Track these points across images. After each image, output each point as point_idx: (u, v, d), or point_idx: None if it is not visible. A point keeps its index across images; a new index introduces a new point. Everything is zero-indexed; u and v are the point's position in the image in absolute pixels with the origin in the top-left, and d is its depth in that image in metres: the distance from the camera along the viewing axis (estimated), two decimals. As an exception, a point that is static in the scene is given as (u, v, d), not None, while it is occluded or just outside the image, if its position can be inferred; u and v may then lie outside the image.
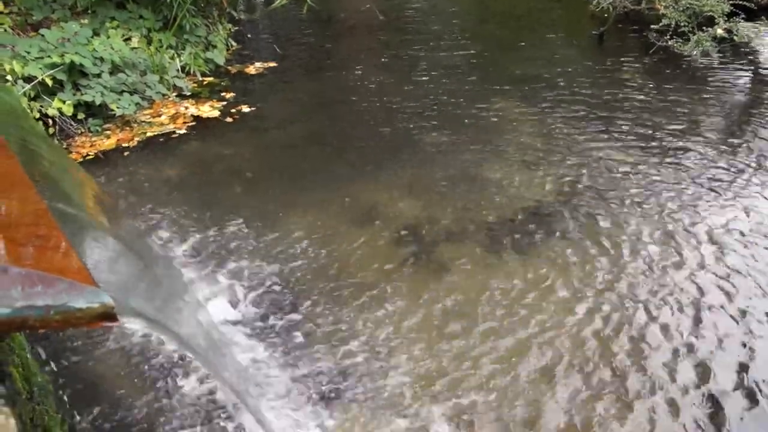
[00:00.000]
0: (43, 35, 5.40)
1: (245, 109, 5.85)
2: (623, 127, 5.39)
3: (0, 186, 1.78)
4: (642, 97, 6.05)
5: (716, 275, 3.53)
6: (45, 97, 5.10)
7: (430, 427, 2.67)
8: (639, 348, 3.05)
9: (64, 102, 5.10)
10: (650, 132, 5.29)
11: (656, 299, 3.36)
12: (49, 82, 5.06)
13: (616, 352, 3.03)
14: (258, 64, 7.00)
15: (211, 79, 6.60)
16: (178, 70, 6.36)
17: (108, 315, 1.22)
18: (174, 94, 6.12)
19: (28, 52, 5.15)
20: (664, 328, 3.17)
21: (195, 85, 6.41)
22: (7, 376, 1.43)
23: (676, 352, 3.02)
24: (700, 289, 3.43)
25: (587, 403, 2.77)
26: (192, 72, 6.57)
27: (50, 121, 5.09)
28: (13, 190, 1.75)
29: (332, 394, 2.83)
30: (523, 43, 7.81)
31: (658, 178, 4.56)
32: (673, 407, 2.73)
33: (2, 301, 1.13)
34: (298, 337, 3.15)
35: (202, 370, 2.90)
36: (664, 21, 7.08)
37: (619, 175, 4.61)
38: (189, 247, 3.84)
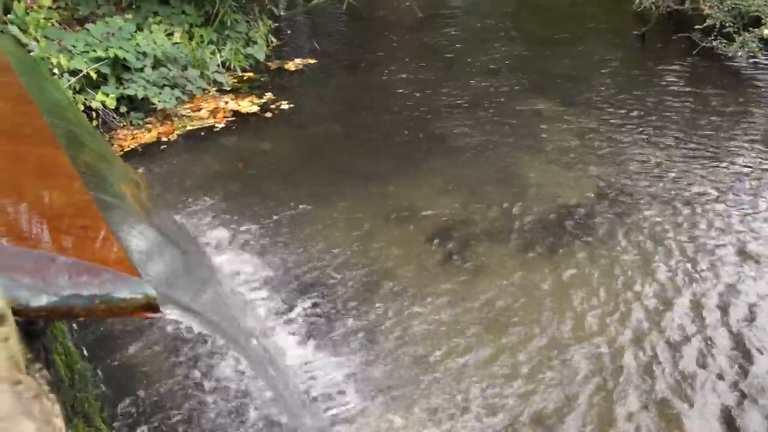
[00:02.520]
0: (88, 30, 5.50)
1: (284, 105, 5.88)
2: (664, 129, 5.31)
3: (46, 177, 1.82)
4: (684, 98, 5.95)
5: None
6: (89, 90, 5.19)
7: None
8: (679, 353, 3.01)
9: (107, 95, 5.18)
10: (692, 135, 5.20)
11: (699, 308, 3.31)
12: (94, 76, 5.16)
13: (658, 359, 2.99)
14: (297, 61, 7.03)
15: (251, 74, 6.65)
16: (218, 66, 6.42)
17: (151, 306, 1.24)
18: (214, 89, 6.18)
19: (74, 46, 5.25)
20: (709, 339, 3.12)
21: (235, 80, 6.47)
22: (51, 364, 1.46)
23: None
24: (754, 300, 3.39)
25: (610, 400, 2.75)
26: (232, 67, 6.63)
27: (94, 114, 5.17)
28: (59, 181, 1.79)
29: (367, 389, 2.84)
30: (563, 42, 7.72)
31: (700, 181, 4.48)
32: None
33: (50, 289, 1.15)
34: (333, 330, 3.17)
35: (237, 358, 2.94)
36: (709, 21, 6.95)
37: (659, 177, 4.54)
38: (226, 239, 3.88)
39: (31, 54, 4.88)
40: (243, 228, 4.00)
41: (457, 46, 7.61)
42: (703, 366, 2.93)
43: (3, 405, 0.74)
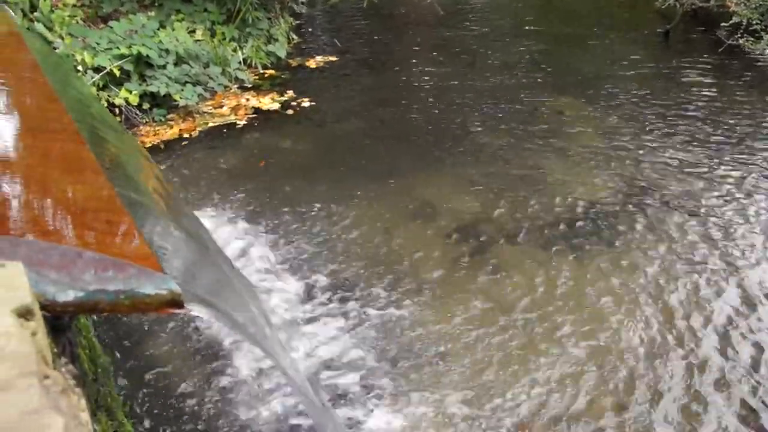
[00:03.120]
0: (111, 27, 5.55)
1: (305, 102, 5.89)
2: (688, 127, 5.26)
3: (71, 172, 1.83)
4: (709, 96, 5.88)
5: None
6: (112, 87, 5.23)
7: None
8: (701, 351, 2.98)
9: (130, 92, 5.22)
10: (716, 133, 5.14)
11: (721, 310, 3.28)
12: (117, 73, 5.20)
13: (671, 356, 2.96)
14: (318, 58, 7.04)
15: (272, 71, 6.67)
16: (240, 63, 6.45)
17: (175, 302, 1.24)
18: (236, 86, 6.21)
19: (98, 44, 5.30)
20: (724, 335, 3.09)
21: (256, 77, 6.49)
22: (76, 358, 1.47)
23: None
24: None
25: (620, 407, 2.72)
26: (253, 64, 6.65)
27: (117, 111, 5.21)
28: (84, 176, 1.80)
29: (381, 393, 2.83)
30: (586, 40, 7.67)
31: (726, 179, 4.43)
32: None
33: (76, 284, 1.15)
34: (349, 327, 3.17)
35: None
36: (735, 19, 6.89)
37: (683, 176, 4.50)
38: (247, 236, 3.89)
39: (56, 51, 4.93)
40: (263, 224, 4.01)
41: (479, 43, 7.58)
42: (752, 370, 2.90)
43: (32, 399, 0.74)
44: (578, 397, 2.77)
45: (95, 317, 2.84)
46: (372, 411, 2.73)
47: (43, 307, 1.08)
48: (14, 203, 1.54)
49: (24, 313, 0.90)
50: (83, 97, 2.96)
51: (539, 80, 6.37)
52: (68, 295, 1.14)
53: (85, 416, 0.87)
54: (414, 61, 7.01)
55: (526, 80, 6.37)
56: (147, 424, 2.64)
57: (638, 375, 2.87)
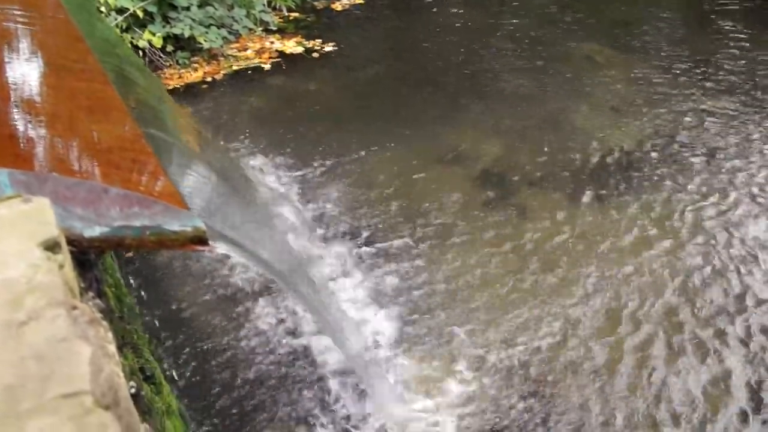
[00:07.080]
0: (135, -33, 5.48)
1: (331, 45, 5.81)
2: (719, 76, 5.13)
3: (98, 112, 1.83)
4: (742, 44, 5.72)
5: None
6: (136, 29, 5.19)
7: (507, 373, 2.68)
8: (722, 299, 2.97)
9: (154, 34, 5.17)
10: (748, 82, 5.01)
11: (742, 254, 3.24)
12: (140, 14, 5.14)
13: (695, 303, 2.95)
14: (345, 1, 6.92)
15: (297, 14, 6.57)
16: (264, 5, 6.35)
17: (200, 239, 1.25)
18: (260, 28, 6.13)
19: (121, -16, 5.24)
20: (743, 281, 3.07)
21: (281, 20, 6.40)
22: (102, 294, 1.49)
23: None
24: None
25: (640, 347, 2.72)
26: (278, 7, 6.56)
27: (140, 53, 5.18)
28: (111, 116, 1.80)
29: (405, 335, 2.86)
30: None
31: (753, 130, 4.34)
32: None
33: (102, 220, 1.16)
34: (375, 271, 3.18)
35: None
36: (774, -40, 6.65)
37: (711, 125, 4.41)
38: (273, 178, 3.90)
39: (80, -9, 4.89)
40: (289, 167, 4.01)
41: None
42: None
43: (60, 328, 0.75)
44: (597, 337, 2.78)
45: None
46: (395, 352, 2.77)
47: (69, 242, 1.08)
48: (40, 142, 1.55)
49: (51, 247, 0.91)
50: (108, 38, 2.95)
51: (568, 26, 6.23)
52: (94, 231, 1.15)
53: (112, 348, 0.88)
54: (442, 5, 6.87)
55: (554, 26, 6.23)
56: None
57: (657, 315, 2.87)
